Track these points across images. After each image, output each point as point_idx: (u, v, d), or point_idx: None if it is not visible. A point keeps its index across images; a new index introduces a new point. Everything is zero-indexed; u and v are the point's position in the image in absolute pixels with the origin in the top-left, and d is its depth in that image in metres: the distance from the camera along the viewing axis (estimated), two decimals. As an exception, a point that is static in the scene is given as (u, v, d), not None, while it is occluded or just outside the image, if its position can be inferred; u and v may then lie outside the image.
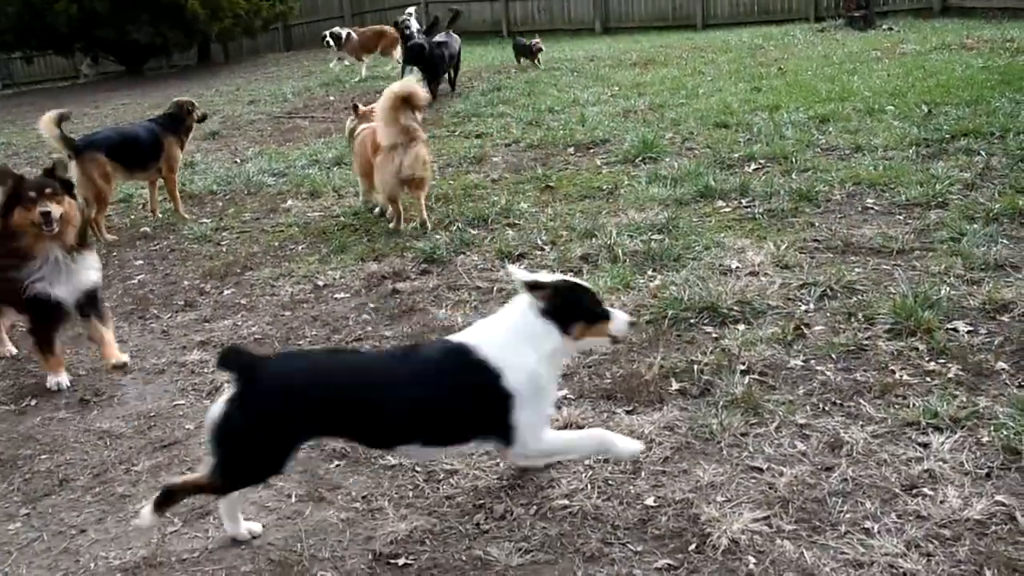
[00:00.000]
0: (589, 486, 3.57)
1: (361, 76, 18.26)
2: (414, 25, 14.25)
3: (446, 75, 14.21)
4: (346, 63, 19.51)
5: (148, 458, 4.28)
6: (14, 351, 5.74)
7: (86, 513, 3.92)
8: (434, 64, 13.55)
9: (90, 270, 5.19)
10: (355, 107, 8.19)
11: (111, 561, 3.56)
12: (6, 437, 4.69)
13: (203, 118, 9.12)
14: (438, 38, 13.90)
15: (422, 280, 5.98)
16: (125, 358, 5.22)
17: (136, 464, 4.24)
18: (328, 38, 19.31)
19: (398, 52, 17.72)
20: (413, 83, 6.97)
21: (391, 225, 7.05)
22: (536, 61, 16.45)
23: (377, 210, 7.48)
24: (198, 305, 6.24)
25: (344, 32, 19.19)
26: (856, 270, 5.22)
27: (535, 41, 16.56)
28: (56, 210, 4.99)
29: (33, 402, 5.07)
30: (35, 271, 4.99)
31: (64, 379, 5.18)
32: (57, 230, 4.99)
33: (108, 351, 5.21)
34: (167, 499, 3.38)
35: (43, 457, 4.45)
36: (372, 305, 5.69)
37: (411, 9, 16.90)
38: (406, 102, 6.66)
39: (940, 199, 6.20)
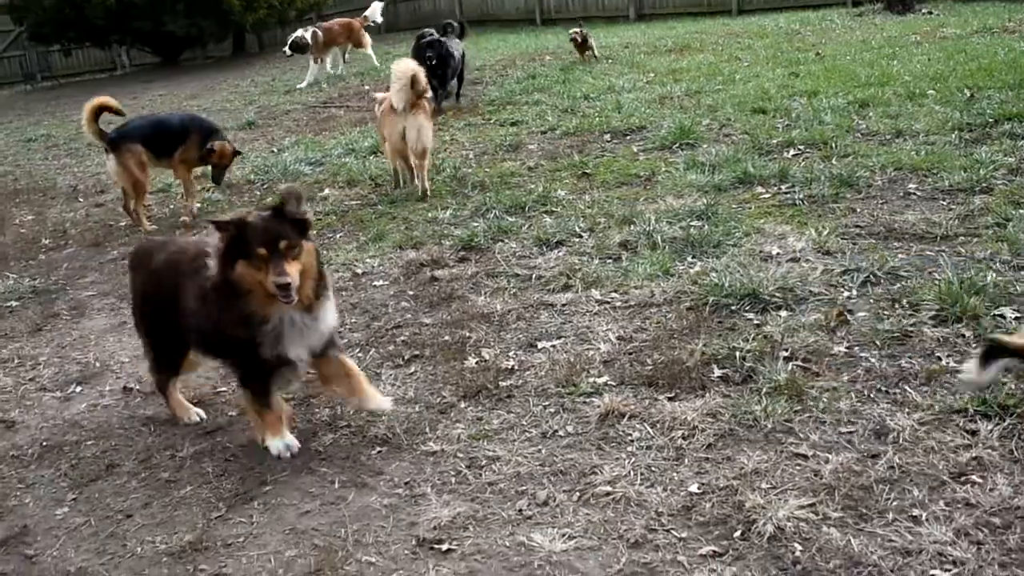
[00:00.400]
0: (632, 472, 3.56)
1: (339, 72, 17.80)
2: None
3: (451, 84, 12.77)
4: (329, 69, 17.87)
5: (192, 444, 4.32)
6: (202, 416, 4.61)
7: (132, 498, 3.96)
8: (445, 68, 11.98)
9: (328, 316, 4.04)
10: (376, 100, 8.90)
11: (157, 545, 3.59)
12: (52, 424, 4.75)
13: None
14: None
15: (460, 267, 5.98)
16: (387, 404, 4.20)
17: (180, 450, 4.28)
18: (288, 49, 17.48)
19: (368, 40, 18.10)
20: (417, 66, 7.89)
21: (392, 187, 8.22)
22: (586, 55, 14.98)
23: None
24: (238, 293, 6.26)
25: (309, 32, 17.38)
26: (899, 256, 5.16)
27: (575, 31, 15.03)
28: (294, 274, 3.70)
29: (78, 389, 5.13)
30: (266, 333, 3.89)
31: (293, 442, 4.11)
32: (296, 298, 3.78)
33: (361, 391, 4.18)
34: None
35: (89, 443, 4.50)
36: (411, 292, 5.70)
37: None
38: (413, 80, 7.59)
39: (984, 184, 6.11)
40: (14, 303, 6.82)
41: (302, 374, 4.20)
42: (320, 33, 17.22)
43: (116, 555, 3.59)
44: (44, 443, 4.55)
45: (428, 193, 7.73)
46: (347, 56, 18.62)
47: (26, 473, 4.32)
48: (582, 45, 14.95)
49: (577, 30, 15.01)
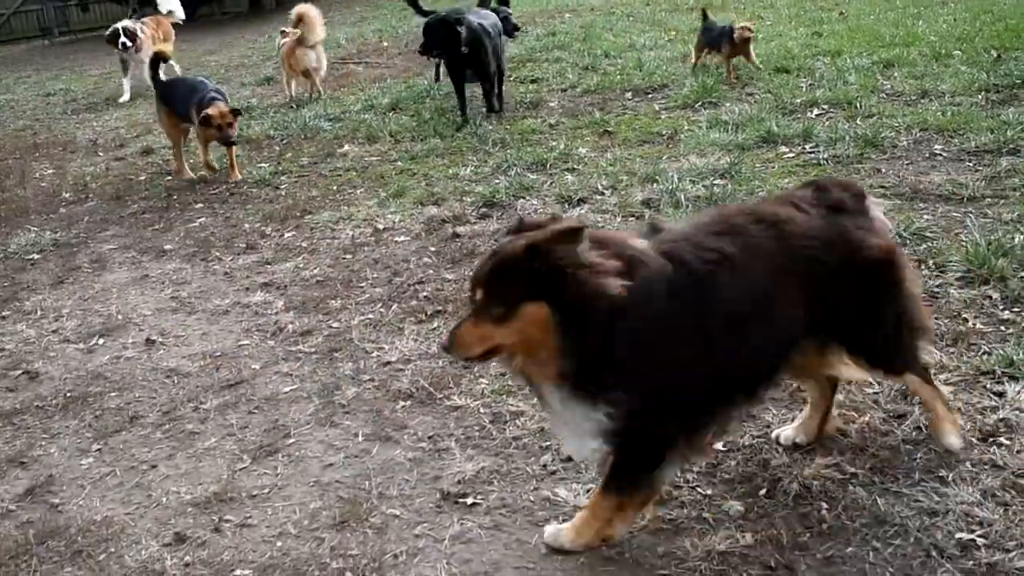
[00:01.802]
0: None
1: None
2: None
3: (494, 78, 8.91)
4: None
5: (216, 396, 4.34)
6: None
7: (156, 449, 3.99)
8: (479, 55, 8.50)
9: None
10: (283, 31, 11.81)
11: (182, 496, 3.62)
12: (76, 375, 4.77)
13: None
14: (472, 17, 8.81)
15: (482, 224, 5.96)
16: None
17: (204, 402, 4.30)
18: (121, 39, 13.53)
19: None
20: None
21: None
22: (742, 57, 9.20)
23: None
24: (259, 248, 6.27)
25: (136, 26, 14.06)
26: (925, 217, 5.11)
27: (739, 26, 8.99)
28: (471, 339, 2.68)
29: (101, 341, 5.15)
30: None
31: None
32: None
33: None
34: None
35: (113, 395, 4.53)
36: (432, 248, 5.69)
37: None
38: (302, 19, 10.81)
39: (1011, 146, 6.03)
40: (36, 256, 6.84)
41: None
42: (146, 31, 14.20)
43: (141, 505, 3.62)
44: (68, 394, 4.58)
45: (322, 96, 11.07)
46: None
47: (50, 423, 4.35)
48: (738, 47, 9.09)
49: (744, 24, 9.07)
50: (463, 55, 8.44)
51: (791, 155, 6.48)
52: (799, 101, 7.76)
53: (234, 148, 8.17)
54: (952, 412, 3.27)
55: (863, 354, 3.11)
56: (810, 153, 6.46)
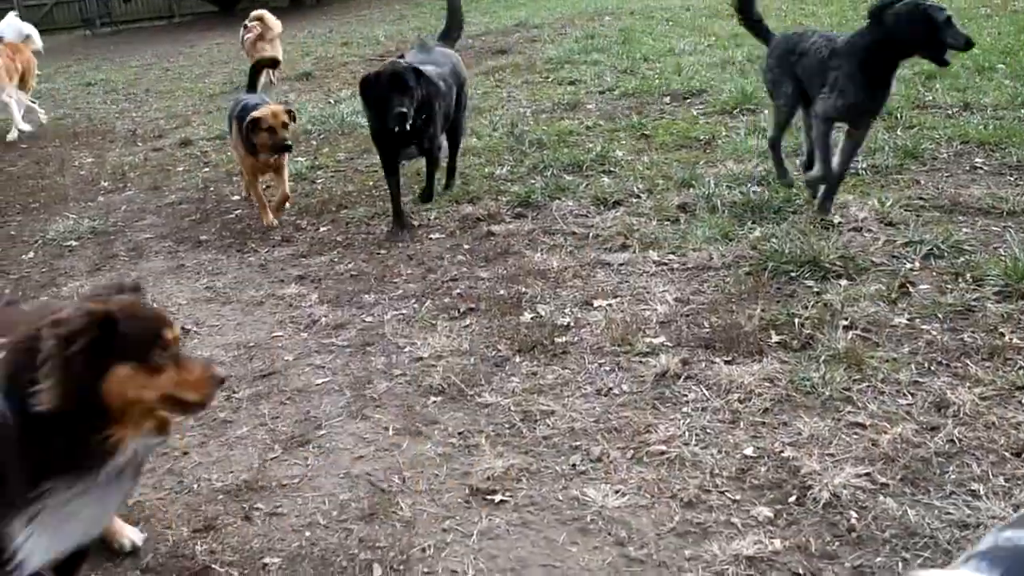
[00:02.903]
0: (687, 433, 3.55)
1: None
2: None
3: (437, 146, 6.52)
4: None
5: (249, 387, 4.37)
6: None
7: (189, 436, 4.02)
8: (431, 114, 6.07)
9: None
10: (245, 26, 12.48)
11: (214, 483, 3.65)
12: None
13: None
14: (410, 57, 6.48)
15: (517, 223, 5.97)
16: None
17: (237, 392, 4.33)
18: None
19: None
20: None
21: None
22: None
23: None
24: (295, 241, 6.31)
25: None
26: (964, 230, 5.07)
27: None
28: None
29: (136, 328, 5.19)
30: None
31: None
32: None
33: None
34: None
35: (147, 381, 4.56)
36: (467, 246, 5.70)
37: None
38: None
39: (1054, 162, 5.97)
40: (74, 243, 6.92)
41: None
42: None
43: (172, 490, 3.66)
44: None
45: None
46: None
47: (86, 408, 4.39)
48: None
49: None
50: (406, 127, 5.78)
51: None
52: (839, 110, 7.70)
53: (286, 166, 6.83)
54: None
55: None
56: (848, 162, 6.41)
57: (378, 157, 6.43)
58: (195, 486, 3.66)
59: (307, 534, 3.28)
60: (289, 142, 6.44)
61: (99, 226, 7.21)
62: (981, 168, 6.06)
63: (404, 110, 5.64)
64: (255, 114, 6.36)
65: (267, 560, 3.17)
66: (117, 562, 3.26)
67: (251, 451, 3.84)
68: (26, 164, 9.73)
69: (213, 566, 3.17)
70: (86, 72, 17.02)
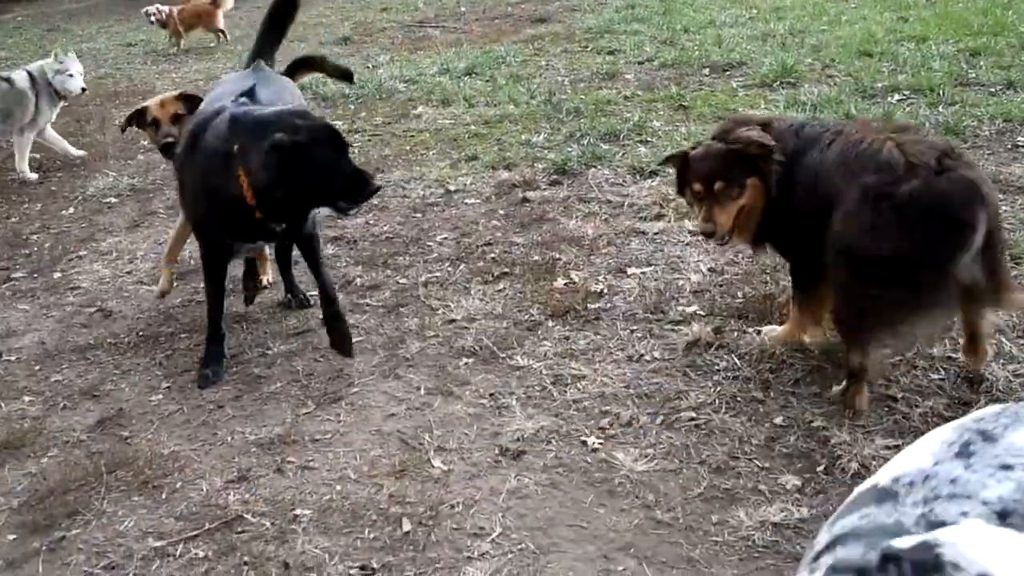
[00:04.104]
0: (717, 400, 3.56)
1: None
2: None
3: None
4: None
5: (283, 343, 4.43)
6: None
7: (223, 391, 4.09)
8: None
9: None
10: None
11: (247, 436, 3.71)
12: (148, 315, 4.89)
13: None
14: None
15: (552, 191, 5.97)
16: None
17: (271, 348, 4.39)
18: None
19: None
20: None
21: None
22: None
23: None
24: (330, 203, 6.34)
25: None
26: (1004, 208, 4.99)
27: None
28: (723, 221, 3.57)
29: (174, 284, 5.25)
30: None
31: None
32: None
33: None
34: None
35: (183, 336, 4.64)
36: (502, 212, 5.71)
37: None
38: None
39: (1098, 141, 5.89)
40: (113, 199, 6.99)
41: None
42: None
43: (207, 442, 3.72)
44: (140, 333, 4.70)
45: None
46: None
47: (122, 360, 4.47)
48: None
49: None
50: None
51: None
52: (880, 85, 7.62)
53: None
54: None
55: None
56: (888, 138, 6.36)
57: (422, 120, 6.15)
58: (229, 438, 3.72)
59: (338, 488, 3.33)
60: (171, 140, 4.77)
61: (138, 184, 7.27)
62: (1023, 147, 5.99)
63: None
64: (142, 104, 5.13)
65: (298, 511, 3.22)
66: (151, 507, 3.33)
67: (284, 406, 3.90)
68: (67, 122, 9.79)
69: (245, 515, 3.23)
70: (127, 33, 17.08)
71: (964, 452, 1.60)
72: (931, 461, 1.61)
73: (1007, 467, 1.55)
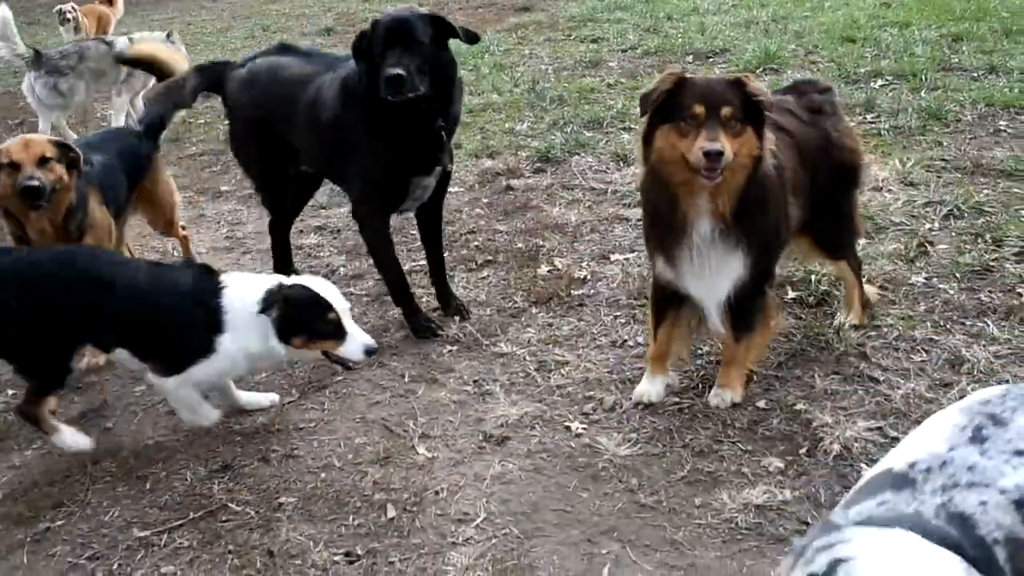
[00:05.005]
0: (700, 384, 3.58)
1: None
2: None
3: None
4: None
5: (267, 333, 4.41)
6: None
7: (208, 380, 4.07)
8: None
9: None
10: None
11: (231, 426, 3.72)
12: (132, 306, 4.86)
13: None
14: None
15: (536, 178, 5.97)
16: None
17: (255, 338, 4.37)
18: None
19: None
20: None
21: None
22: None
23: None
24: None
25: None
26: (985, 191, 5.03)
27: None
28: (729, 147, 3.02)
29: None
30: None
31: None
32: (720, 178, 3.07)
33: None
34: None
35: (167, 326, 4.62)
36: (486, 200, 5.71)
37: None
38: None
39: (1079, 124, 5.92)
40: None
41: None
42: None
43: (190, 432, 3.71)
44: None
45: None
46: None
47: (106, 351, 4.45)
48: None
49: None
50: None
51: (852, 124, 6.39)
52: (863, 71, 7.64)
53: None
54: (862, 305, 3.89)
55: (821, 240, 3.77)
56: (871, 123, 6.37)
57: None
58: (213, 428, 3.71)
59: (322, 475, 3.33)
60: (37, 183, 3.82)
61: (121, 176, 7.24)
62: (1005, 131, 6.01)
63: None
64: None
65: (283, 499, 3.22)
66: (136, 497, 3.33)
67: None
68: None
69: (229, 504, 3.23)
70: (131, 27, 17.02)
71: (977, 437, 1.60)
72: (945, 446, 1.61)
73: (1021, 453, 1.55)
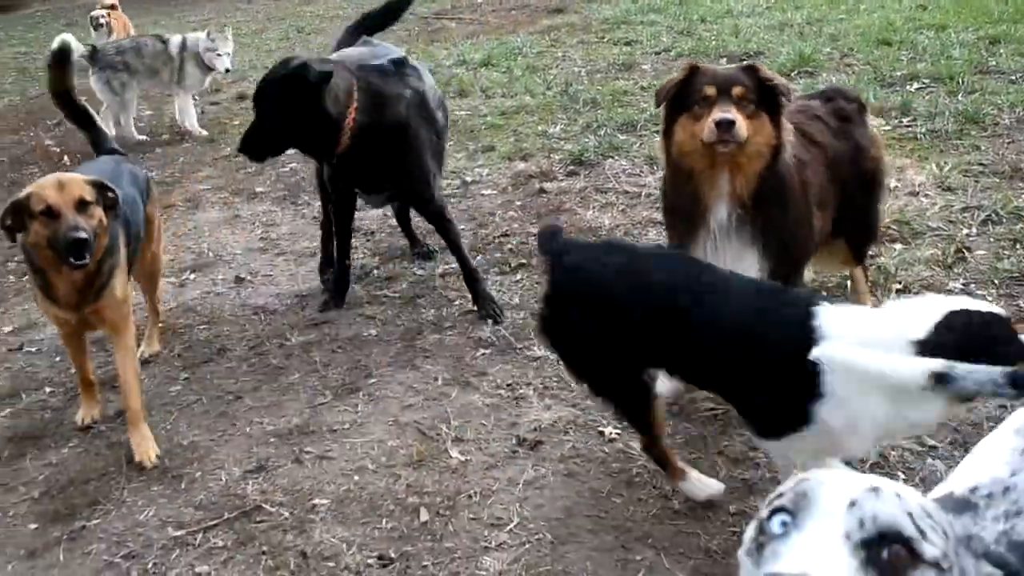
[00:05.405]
0: (735, 391, 3.55)
1: None
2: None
3: None
4: None
5: (300, 334, 4.44)
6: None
7: (242, 381, 4.11)
8: None
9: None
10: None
11: (265, 426, 3.73)
12: (167, 307, 4.90)
13: None
14: None
15: (569, 181, 5.96)
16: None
17: (289, 339, 4.41)
18: None
19: None
20: None
21: None
22: None
23: None
24: (347, 194, 6.36)
25: None
26: (1024, 196, 4.99)
27: None
28: (741, 121, 3.06)
29: (192, 276, 5.30)
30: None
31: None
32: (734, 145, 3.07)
33: None
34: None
35: (201, 327, 4.67)
36: (519, 203, 5.71)
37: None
38: None
39: (1120, 129, 5.84)
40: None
41: None
42: None
43: (226, 432, 3.74)
44: (159, 325, 4.71)
45: None
46: None
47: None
48: None
49: None
50: None
51: (887, 128, 6.34)
52: (899, 74, 7.58)
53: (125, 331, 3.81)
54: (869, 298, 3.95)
55: (852, 247, 3.82)
56: (907, 127, 6.32)
57: None
58: (247, 429, 3.74)
59: (356, 478, 3.34)
60: (85, 235, 3.37)
61: (157, 176, 7.29)
62: (1044, 135, 5.94)
63: None
64: (24, 191, 3.51)
65: (316, 501, 3.23)
66: (171, 496, 3.35)
67: (302, 397, 3.92)
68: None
69: (264, 505, 3.24)
70: (145, 27, 17.11)
71: None
72: (1007, 471, 1.58)
73: None
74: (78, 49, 8.08)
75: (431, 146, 4.44)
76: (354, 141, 4.13)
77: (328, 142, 4.13)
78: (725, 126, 3.01)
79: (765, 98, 3.14)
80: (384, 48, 4.65)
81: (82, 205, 3.42)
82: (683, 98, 3.18)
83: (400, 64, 4.40)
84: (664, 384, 3.16)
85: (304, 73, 3.95)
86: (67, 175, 3.58)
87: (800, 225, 3.34)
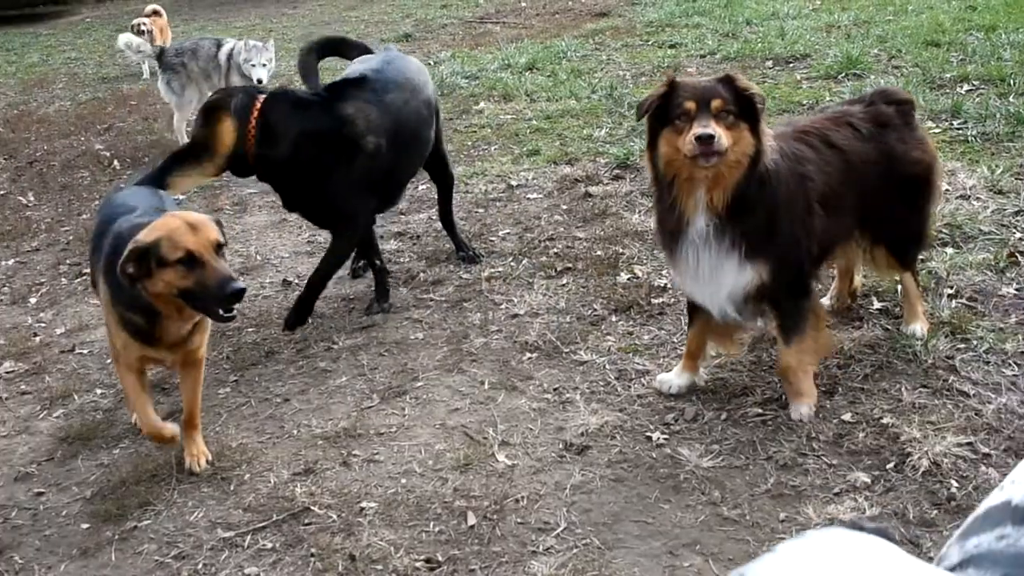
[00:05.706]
0: (783, 396, 3.52)
1: None
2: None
3: None
4: None
5: (348, 337, 4.47)
6: None
7: (290, 384, 4.14)
8: None
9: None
10: None
11: (313, 429, 3.76)
12: (216, 309, 4.95)
13: None
14: None
15: (615, 185, 5.94)
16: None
17: (336, 343, 4.43)
18: None
19: None
20: None
21: None
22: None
23: None
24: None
25: None
26: (1079, 200, 4.90)
27: None
28: (723, 134, 3.10)
29: (240, 279, 5.33)
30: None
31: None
32: (716, 161, 3.13)
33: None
34: None
35: (250, 330, 4.70)
36: (564, 207, 5.70)
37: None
38: None
39: None
40: (180, 196, 7.09)
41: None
42: None
43: (274, 435, 3.77)
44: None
45: None
46: None
47: (192, 353, 4.53)
48: None
49: None
50: None
51: (937, 131, 6.26)
52: (948, 76, 7.48)
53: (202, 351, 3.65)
54: (923, 311, 3.86)
55: (894, 252, 3.78)
56: (958, 129, 6.23)
57: (484, 115, 6.38)
58: (295, 431, 3.76)
59: (403, 481, 3.35)
60: (243, 285, 3.35)
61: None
62: (1098, 137, 5.84)
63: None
64: (147, 234, 3.18)
65: (364, 504, 3.25)
66: (220, 498, 3.39)
67: (349, 400, 3.94)
68: (135, 120, 9.98)
69: (312, 507, 3.26)
70: (192, 32, 17.33)
71: None
72: None
73: None
74: (145, 49, 8.35)
75: (351, 174, 4.45)
76: (259, 169, 4.41)
77: (239, 166, 4.40)
78: (705, 140, 3.09)
79: (744, 108, 3.21)
80: (386, 60, 5.02)
81: (218, 248, 3.24)
82: (665, 112, 3.25)
83: (340, 88, 4.57)
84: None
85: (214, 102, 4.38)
86: (196, 216, 3.33)
87: (783, 230, 3.35)
